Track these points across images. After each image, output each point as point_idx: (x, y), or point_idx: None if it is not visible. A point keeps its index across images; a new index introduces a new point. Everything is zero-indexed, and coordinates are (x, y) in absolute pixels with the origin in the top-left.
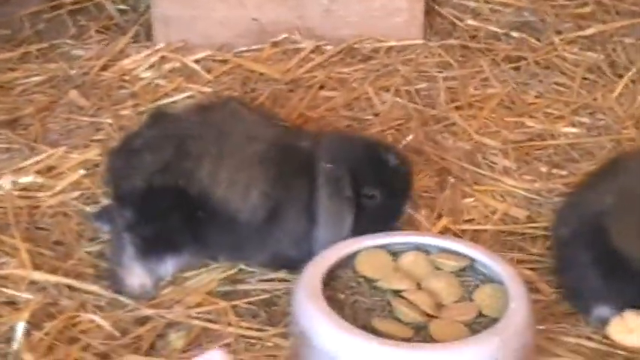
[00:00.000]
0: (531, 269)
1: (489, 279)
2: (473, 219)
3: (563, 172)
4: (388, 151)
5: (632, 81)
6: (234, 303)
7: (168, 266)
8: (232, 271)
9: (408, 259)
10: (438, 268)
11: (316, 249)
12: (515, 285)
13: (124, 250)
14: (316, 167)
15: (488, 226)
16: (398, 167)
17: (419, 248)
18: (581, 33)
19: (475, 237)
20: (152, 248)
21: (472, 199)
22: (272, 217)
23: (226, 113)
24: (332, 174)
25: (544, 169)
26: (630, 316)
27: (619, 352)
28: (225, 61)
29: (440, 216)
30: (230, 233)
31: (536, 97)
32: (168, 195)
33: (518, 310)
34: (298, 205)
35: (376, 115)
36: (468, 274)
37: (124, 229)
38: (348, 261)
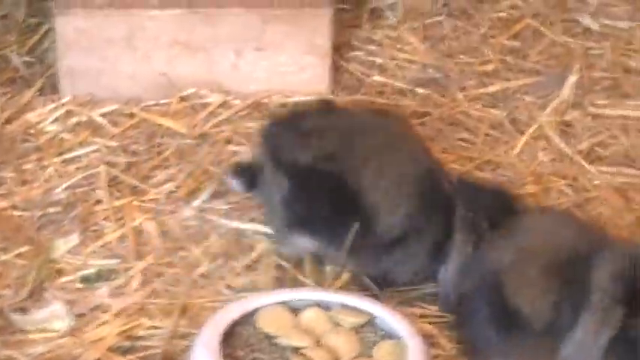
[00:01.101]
0: (432, 324)
1: (389, 335)
2: None
3: None
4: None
5: (533, 138)
6: (130, 357)
7: (306, 246)
8: (130, 325)
9: (308, 316)
10: (338, 325)
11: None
12: (415, 341)
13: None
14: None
15: None
16: None
17: (319, 304)
18: (484, 90)
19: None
20: (300, 224)
21: None
22: (403, 240)
23: (393, 124)
24: (469, 220)
25: None
26: None
27: None
28: (131, 115)
29: (342, 272)
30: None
31: (442, 152)
32: (330, 181)
33: None
34: (430, 240)
35: None
36: (368, 330)
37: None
38: (249, 317)
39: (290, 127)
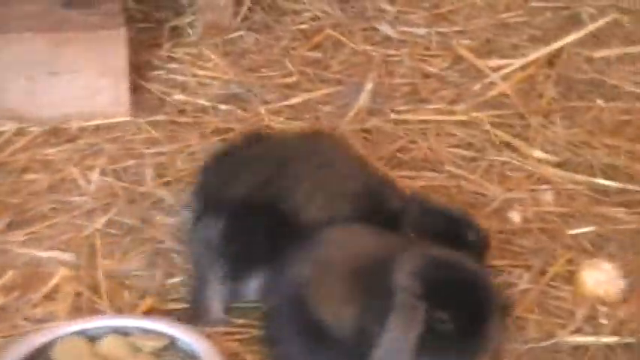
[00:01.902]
0: (238, 340)
1: (190, 356)
2: (180, 297)
3: None
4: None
5: None
6: None
7: (250, 287)
8: None
9: (105, 343)
10: (138, 350)
11: None
12: None
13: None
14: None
15: None
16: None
17: (117, 331)
18: (286, 102)
19: (182, 315)
20: (240, 264)
21: (179, 278)
22: None
23: (326, 145)
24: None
25: None
26: None
27: None
28: None
29: (144, 296)
30: None
31: None
32: (265, 212)
33: None
34: None
35: (82, 195)
36: (169, 353)
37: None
38: (45, 350)
39: (218, 168)
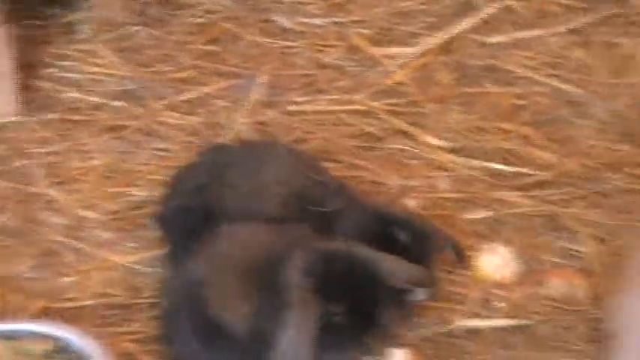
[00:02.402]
0: (133, 340)
1: (81, 358)
2: (73, 297)
3: None
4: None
5: (232, 140)
6: None
7: None
8: None
9: None
10: (27, 353)
11: None
12: None
13: None
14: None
15: (88, 302)
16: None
17: (5, 335)
18: (182, 97)
19: (75, 315)
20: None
21: (72, 278)
22: None
23: (270, 153)
24: None
25: (149, 238)
26: None
27: None
28: None
29: (36, 298)
30: None
31: (141, 164)
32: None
33: None
34: None
35: None
36: (60, 356)
37: None
38: None
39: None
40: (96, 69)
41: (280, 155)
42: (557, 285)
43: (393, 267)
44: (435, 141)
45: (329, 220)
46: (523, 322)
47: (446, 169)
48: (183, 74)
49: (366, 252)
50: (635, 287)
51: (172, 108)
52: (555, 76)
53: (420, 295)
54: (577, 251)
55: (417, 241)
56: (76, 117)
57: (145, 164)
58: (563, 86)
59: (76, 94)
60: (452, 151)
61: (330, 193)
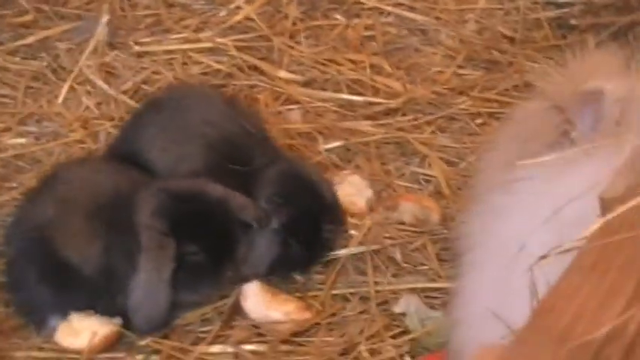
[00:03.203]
0: None
1: None
2: None
3: (14, 185)
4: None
5: (78, 84)
6: None
7: None
8: None
9: None
10: None
11: None
12: None
13: None
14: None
15: None
16: None
17: None
18: (22, 42)
19: None
20: None
21: None
22: None
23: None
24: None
25: None
26: (75, 320)
27: (68, 355)
28: None
29: None
30: None
31: None
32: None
33: None
34: None
35: None
36: None
37: None
38: None
39: None
40: None
41: (211, 98)
42: (409, 209)
43: (242, 203)
44: (285, 75)
45: (248, 178)
46: (374, 247)
47: (298, 102)
48: (24, 18)
49: (215, 189)
50: (481, 205)
51: (13, 52)
52: (402, 4)
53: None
54: (427, 175)
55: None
56: None
57: None
58: (410, 15)
59: None
60: (303, 84)
61: (256, 144)
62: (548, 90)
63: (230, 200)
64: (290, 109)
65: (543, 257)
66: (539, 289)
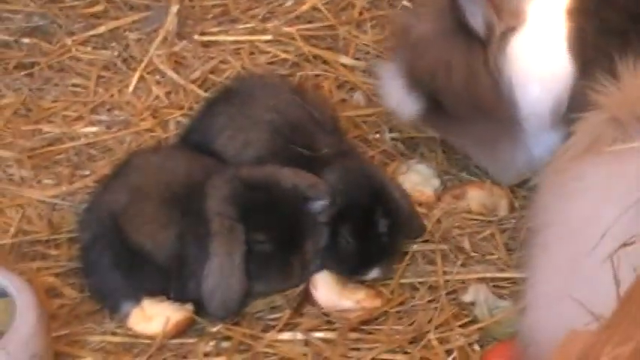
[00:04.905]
0: (55, 275)
1: (1, 294)
2: None
3: (86, 173)
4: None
5: (148, 73)
6: None
7: None
8: None
9: None
10: None
11: None
12: (24, 297)
13: None
14: None
15: (7, 240)
16: None
17: None
18: (93, 32)
19: None
20: None
21: None
22: None
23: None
24: None
25: (66, 173)
26: (148, 305)
27: (141, 341)
28: None
29: None
30: None
31: (53, 101)
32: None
33: (24, 321)
34: None
35: None
36: None
37: None
38: None
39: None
40: (2, 6)
41: (279, 87)
42: (476, 197)
43: (311, 181)
44: (348, 61)
45: (313, 167)
46: (444, 237)
47: (360, 89)
48: (94, 9)
49: (287, 177)
50: (550, 187)
51: (84, 43)
52: None
53: None
54: None
55: (394, 231)
56: None
57: (57, 100)
58: None
59: None
60: (366, 71)
61: (324, 133)
62: (605, 102)
63: (299, 181)
64: (353, 95)
65: (627, 244)
66: (621, 275)
